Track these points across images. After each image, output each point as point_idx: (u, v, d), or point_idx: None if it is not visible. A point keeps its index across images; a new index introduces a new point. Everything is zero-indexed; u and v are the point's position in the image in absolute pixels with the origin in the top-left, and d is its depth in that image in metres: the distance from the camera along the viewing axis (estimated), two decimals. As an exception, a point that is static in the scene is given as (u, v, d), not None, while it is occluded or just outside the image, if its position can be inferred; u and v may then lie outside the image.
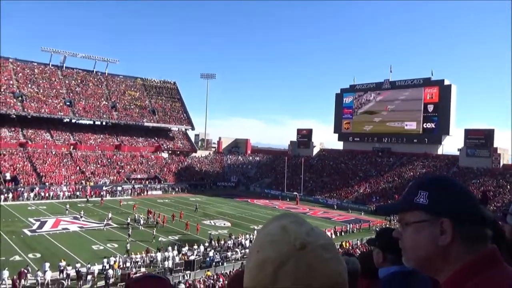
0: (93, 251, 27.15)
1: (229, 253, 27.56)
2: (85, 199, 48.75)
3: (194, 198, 54.88)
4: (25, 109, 62.80)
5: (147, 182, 61.48)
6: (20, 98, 63.89)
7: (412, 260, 1.11)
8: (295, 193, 58.99)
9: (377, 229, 37.38)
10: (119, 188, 55.82)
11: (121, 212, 41.28)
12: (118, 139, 71.30)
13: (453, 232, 1.02)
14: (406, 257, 1.13)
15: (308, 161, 70.96)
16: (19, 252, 25.79)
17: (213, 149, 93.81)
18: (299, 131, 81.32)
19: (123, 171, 61.68)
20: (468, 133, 58.33)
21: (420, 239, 1.07)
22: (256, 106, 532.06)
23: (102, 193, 52.07)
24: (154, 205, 46.73)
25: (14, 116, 61.56)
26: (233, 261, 26.87)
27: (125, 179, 59.68)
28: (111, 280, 21.43)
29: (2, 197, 44.49)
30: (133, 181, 59.87)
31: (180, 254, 25.91)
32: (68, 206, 41.37)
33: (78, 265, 22.31)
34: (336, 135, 77.01)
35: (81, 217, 37.63)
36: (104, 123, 73.23)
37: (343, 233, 36.60)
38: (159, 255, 25.16)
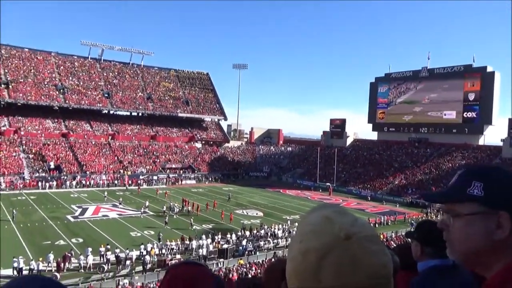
0: (131, 237, 28.23)
1: (261, 243, 27.82)
2: (124, 188, 50.69)
3: (226, 188, 55.62)
4: (67, 101, 65.67)
5: (181, 171, 62.92)
6: (62, 90, 66.84)
7: (458, 253, 1.05)
8: (327, 183, 58.45)
9: (412, 221, 36.52)
10: (155, 177, 57.49)
11: (157, 201, 42.55)
12: (154, 130, 73.19)
13: (511, 226, 0.97)
14: (452, 249, 1.07)
15: (342, 152, 69.96)
16: (63, 236, 27.26)
17: (245, 140, 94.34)
18: (332, 121, 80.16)
19: (158, 160, 63.37)
20: (513, 122, 55.28)
21: (472, 232, 1.01)
22: (288, 97, 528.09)
23: (139, 181, 53.83)
24: (188, 194, 47.79)
25: (57, 108, 64.56)
26: (266, 250, 27.12)
27: (160, 168, 61.32)
28: (148, 266, 22.25)
29: (47, 184, 47.07)
30: (168, 171, 61.45)
31: (214, 242, 26.46)
32: (106, 193, 43.55)
33: (117, 250, 23.31)
34: (371, 125, 75.39)
35: (120, 203, 39.42)
36: (140, 114, 75.40)
37: (377, 225, 35.96)
38: (194, 243, 25.81)
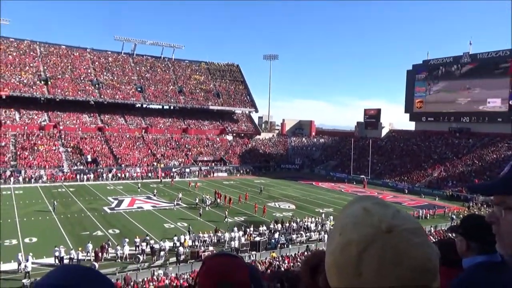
0: (165, 229, 29.00)
1: (294, 236, 27.79)
2: (158, 180, 52.09)
3: (258, 180, 55.88)
4: (102, 96, 67.98)
5: (213, 164, 63.77)
6: (97, 85, 69.24)
7: (510, 247, 1.01)
8: (362, 176, 57.44)
9: (453, 215, 35.26)
10: (187, 170, 58.63)
11: (189, 193, 43.42)
12: (185, 123, 74.48)
13: None
14: (502, 243, 1.03)
15: (376, 143, 68.52)
16: (100, 227, 28.41)
17: (277, 131, 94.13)
18: (366, 111, 78.52)
19: (190, 153, 64.52)
20: None
21: None
22: (320, 87, 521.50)
23: (172, 174, 55.09)
24: (220, 186, 48.42)
25: (93, 103, 67.00)
26: (298, 244, 27.08)
27: (192, 161, 62.42)
28: (182, 257, 22.79)
29: (85, 177, 49.15)
30: (200, 163, 62.47)
31: (246, 235, 26.70)
32: (140, 184, 45.39)
33: (152, 241, 24.01)
34: (407, 115, 73.20)
35: (154, 195, 40.79)
36: (171, 107, 76.91)
37: (414, 219, 34.94)
38: (226, 235, 26.16)
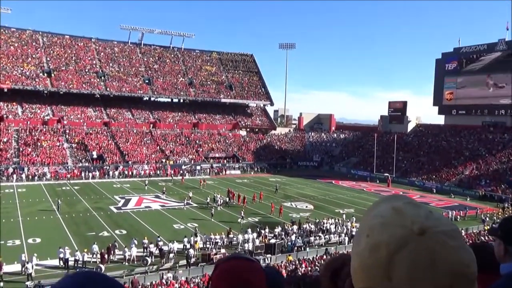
0: (174, 230, 29.28)
1: (312, 238, 27.71)
2: (168, 178, 52.54)
3: (274, 179, 55.88)
4: (108, 88, 68.86)
5: (225, 161, 64.03)
6: (102, 77, 70.15)
7: None
8: (386, 174, 56.86)
9: (485, 217, 34.62)
10: (198, 167, 59.00)
11: (200, 192, 43.70)
12: (196, 117, 74.89)
13: None
14: None
15: (402, 138, 67.73)
16: (107, 228, 28.85)
17: (294, 126, 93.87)
18: (391, 104, 77.62)
19: (201, 149, 64.90)
20: None
21: None
22: (341, 78, 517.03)
23: (181, 171, 55.50)
24: (233, 185, 48.58)
25: (98, 96, 67.95)
26: (316, 246, 27.00)
27: (203, 158, 62.78)
28: (192, 260, 22.95)
29: (90, 174, 49.96)
30: (211, 160, 62.80)
31: (261, 237, 26.73)
32: (147, 181, 46.09)
33: (160, 243, 24.26)
34: (436, 108, 72.09)
35: (164, 193, 41.32)
36: (181, 101, 77.43)
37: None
38: (239, 237, 26.24)
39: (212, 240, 25.70)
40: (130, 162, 55.98)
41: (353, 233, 27.56)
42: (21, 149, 52.25)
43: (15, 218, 30.21)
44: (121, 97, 69.70)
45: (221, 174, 59.36)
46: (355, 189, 51.03)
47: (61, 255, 21.50)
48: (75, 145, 56.79)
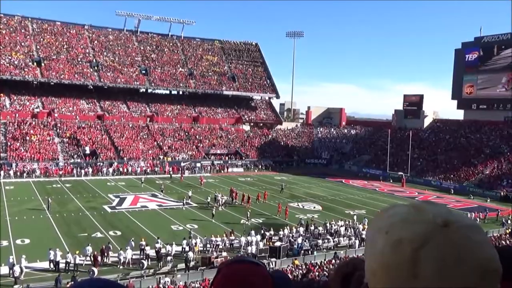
0: (172, 231, 29.32)
1: (319, 241, 27.68)
2: (164, 176, 52.54)
3: (279, 177, 55.87)
4: (102, 79, 68.95)
5: (227, 158, 64.06)
6: (96, 67, 70.21)
7: None
8: (400, 173, 56.77)
9: (508, 219, 34.44)
10: (198, 165, 59.03)
11: (200, 191, 43.73)
12: (196, 110, 74.89)
13: None
14: None
15: (418, 135, 67.60)
16: (100, 228, 28.95)
17: (301, 121, 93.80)
18: (406, 97, 77.37)
19: (201, 145, 64.94)
20: None
21: None
22: (352, 69, 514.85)
23: (180, 168, 55.45)
24: (235, 183, 48.60)
25: (91, 87, 68.09)
26: (324, 250, 26.97)
27: (204, 154, 62.81)
28: (191, 263, 22.97)
29: (83, 171, 50.10)
30: (212, 157, 62.83)
31: (265, 240, 26.71)
32: (143, 179, 46.58)
33: (158, 245, 24.29)
34: (455, 102, 71.80)
35: (162, 191, 41.56)
36: (180, 93, 77.48)
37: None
38: (242, 239, 26.24)
39: (213, 243, 25.69)
40: (125, 158, 56.10)
41: (364, 235, 27.50)
42: (9, 143, 52.49)
43: (3, 217, 30.34)
44: (116, 89, 69.79)
45: (222, 172, 59.37)
46: (367, 189, 50.98)
47: (52, 257, 21.58)
48: (67, 139, 56.97)
